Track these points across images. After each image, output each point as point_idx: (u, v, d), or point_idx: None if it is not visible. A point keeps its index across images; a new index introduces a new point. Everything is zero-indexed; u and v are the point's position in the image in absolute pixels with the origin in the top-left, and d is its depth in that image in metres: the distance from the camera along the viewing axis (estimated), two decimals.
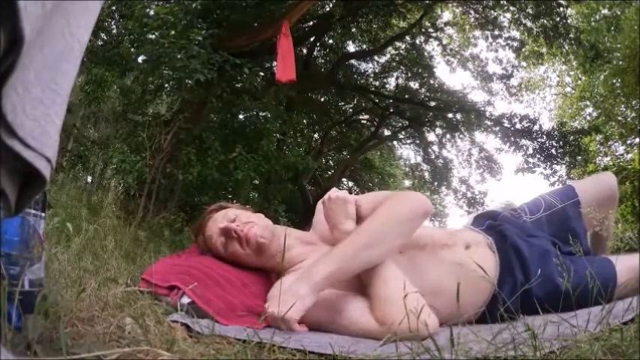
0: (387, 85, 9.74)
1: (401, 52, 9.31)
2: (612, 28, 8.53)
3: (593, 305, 0.89)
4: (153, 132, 4.29)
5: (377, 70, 9.55)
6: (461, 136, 10.15)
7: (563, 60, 9.28)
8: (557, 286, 1.07)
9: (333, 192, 1.18)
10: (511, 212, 1.38)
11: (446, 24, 9.42)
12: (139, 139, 4.39)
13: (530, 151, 8.93)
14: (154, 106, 5.68)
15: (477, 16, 8.66)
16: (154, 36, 4.46)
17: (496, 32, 8.64)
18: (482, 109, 9.25)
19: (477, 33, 9.17)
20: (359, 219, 1.16)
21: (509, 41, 8.67)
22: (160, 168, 4.14)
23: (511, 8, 7.97)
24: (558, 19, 7.48)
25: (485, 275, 0.95)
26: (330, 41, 8.91)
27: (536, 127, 8.80)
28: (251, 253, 1.21)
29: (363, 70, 9.47)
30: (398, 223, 1.07)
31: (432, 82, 9.23)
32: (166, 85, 5.21)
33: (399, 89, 9.51)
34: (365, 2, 7.45)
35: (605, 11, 8.83)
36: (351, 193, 1.22)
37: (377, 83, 9.63)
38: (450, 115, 9.10)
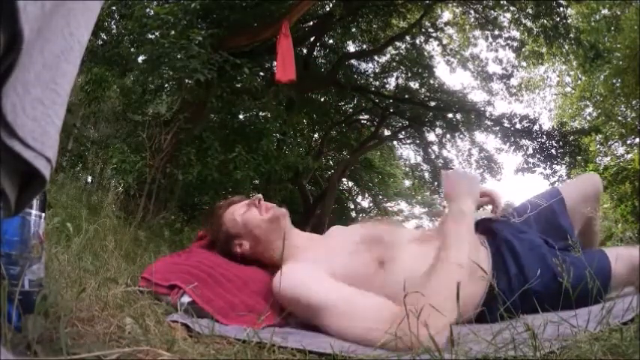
0: (387, 85, 9.74)
1: (401, 52, 9.31)
2: (612, 28, 8.54)
3: (590, 297, 0.90)
4: (153, 132, 4.29)
5: (377, 70, 9.55)
6: (461, 136, 10.15)
7: (563, 60, 9.28)
8: (554, 276, 1.08)
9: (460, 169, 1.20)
10: (500, 217, 1.41)
11: (446, 24, 9.42)
12: (139, 139, 4.38)
13: (530, 151, 8.92)
14: (153, 106, 5.68)
15: (477, 16, 8.66)
16: (153, 36, 4.45)
17: (496, 32, 8.64)
18: (482, 109, 9.25)
19: (477, 33, 9.17)
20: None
21: (509, 41, 8.67)
22: (159, 168, 4.14)
23: (511, 8, 7.96)
24: (558, 19, 7.47)
25: (484, 274, 0.95)
26: (330, 41, 8.91)
27: (536, 127, 8.81)
28: (266, 219, 1.28)
29: (363, 70, 9.48)
30: None
31: (432, 82, 9.22)
32: (166, 85, 5.21)
33: (399, 89, 9.51)
34: (365, 2, 7.45)
35: (605, 11, 8.83)
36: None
37: (377, 83, 9.62)
38: (450, 115, 9.10)
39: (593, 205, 1.39)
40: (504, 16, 8.39)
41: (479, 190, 1.15)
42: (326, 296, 0.98)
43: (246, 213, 1.31)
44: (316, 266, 1.10)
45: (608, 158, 10.59)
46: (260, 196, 1.34)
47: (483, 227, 1.30)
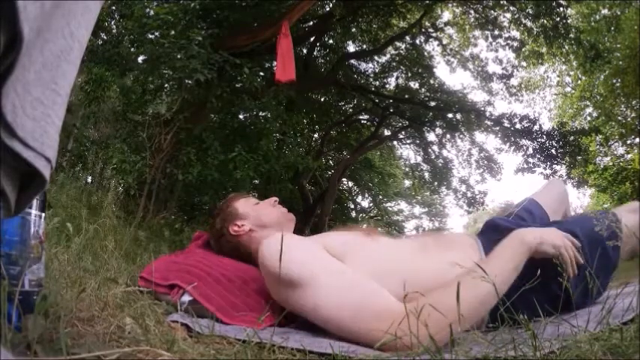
0: (387, 85, 9.75)
1: (401, 52, 9.31)
2: (612, 28, 8.54)
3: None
4: (153, 132, 4.29)
5: (377, 70, 9.55)
6: (461, 136, 10.15)
7: (563, 60, 9.28)
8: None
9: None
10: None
11: (446, 24, 9.42)
12: (139, 139, 4.38)
13: (530, 151, 8.93)
14: (153, 106, 5.67)
15: (477, 16, 8.66)
16: (153, 36, 4.46)
17: (496, 32, 8.64)
18: (482, 109, 9.25)
19: (477, 33, 9.17)
20: None
21: (509, 41, 8.67)
22: (159, 168, 4.14)
23: (511, 8, 7.96)
24: (558, 19, 7.47)
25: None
26: (330, 41, 8.91)
27: (536, 127, 8.81)
28: (277, 211, 1.35)
29: (363, 70, 9.48)
30: None
31: (432, 82, 9.23)
32: (166, 85, 5.21)
33: (399, 89, 9.52)
34: (365, 2, 7.45)
35: (605, 11, 8.83)
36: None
37: (377, 83, 9.63)
38: (450, 115, 9.10)
39: (564, 203, 1.53)
40: (504, 16, 8.39)
41: (555, 243, 1.00)
42: (334, 283, 0.93)
43: (259, 204, 1.38)
44: (312, 241, 1.09)
45: (608, 158, 10.60)
46: (277, 198, 1.42)
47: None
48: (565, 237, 1.01)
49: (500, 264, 0.93)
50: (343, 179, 11.26)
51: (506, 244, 0.99)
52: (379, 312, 0.86)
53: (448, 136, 10.24)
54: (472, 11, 8.67)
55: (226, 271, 1.21)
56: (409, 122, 9.70)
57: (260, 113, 5.52)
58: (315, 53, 8.58)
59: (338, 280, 0.93)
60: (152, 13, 4.52)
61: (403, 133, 10.81)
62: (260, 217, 1.32)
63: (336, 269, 0.96)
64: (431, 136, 10.51)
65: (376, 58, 9.29)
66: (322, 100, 9.49)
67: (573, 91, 11.38)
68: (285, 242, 0.87)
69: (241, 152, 4.58)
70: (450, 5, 8.69)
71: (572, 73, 10.87)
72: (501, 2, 7.98)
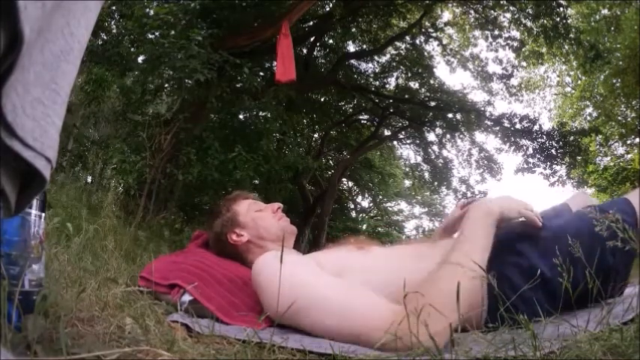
0: (387, 85, 9.75)
1: (401, 52, 9.32)
2: (612, 28, 8.54)
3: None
4: (153, 132, 4.29)
5: (377, 70, 9.55)
6: (461, 136, 10.15)
7: (563, 60, 9.29)
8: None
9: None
10: None
11: (446, 24, 9.43)
12: (139, 139, 4.38)
13: (530, 151, 8.93)
14: (153, 106, 5.67)
15: (477, 16, 8.67)
16: (153, 36, 4.46)
17: (496, 32, 8.64)
18: (482, 109, 9.25)
19: (477, 33, 9.18)
20: None
21: (509, 41, 8.68)
22: (159, 168, 4.14)
23: (511, 8, 7.97)
24: (558, 19, 7.48)
25: (481, 272, 0.94)
26: (330, 41, 8.91)
27: (536, 127, 8.81)
28: (278, 225, 1.32)
29: (363, 70, 9.48)
30: None
31: (432, 82, 9.23)
32: (166, 85, 5.21)
33: (399, 89, 9.52)
34: (365, 2, 7.45)
35: (605, 11, 8.83)
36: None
37: (377, 83, 9.63)
38: (450, 115, 9.10)
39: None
40: (504, 16, 8.40)
41: (516, 207, 1.05)
42: (321, 289, 0.92)
43: (260, 211, 1.34)
44: (305, 258, 1.09)
45: (608, 158, 10.60)
46: (281, 205, 1.39)
47: None
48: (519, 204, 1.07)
49: (476, 245, 0.95)
50: (343, 179, 11.26)
51: (474, 219, 1.01)
52: (391, 315, 0.83)
53: (448, 136, 10.25)
54: (472, 11, 8.67)
55: (227, 271, 1.21)
56: (409, 122, 9.70)
57: (260, 113, 5.53)
58: (315, 53, 8.58)
59: (340, 296, 0.92)
60: (152, 13, 4.52)
61: (403, 133, 10.81)
62: (259, 230, 1.30)
63: (331, 281, 0.96)
64: (431, 136, 10.53)
65: (376, 58, 9.29)
66: (322, 100, 9.49)
67: (573, 91, 11.39)
68: (289, 266, 0.88)
69: (241, 152, 4.58)
70: (450, 5, 8.70)
71: (572, 73, 10.88)
72: (501, 2, 7.98)
